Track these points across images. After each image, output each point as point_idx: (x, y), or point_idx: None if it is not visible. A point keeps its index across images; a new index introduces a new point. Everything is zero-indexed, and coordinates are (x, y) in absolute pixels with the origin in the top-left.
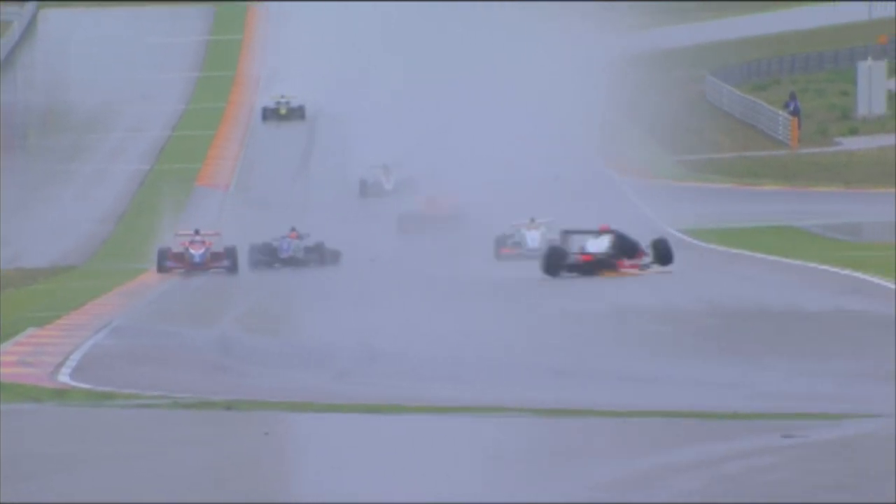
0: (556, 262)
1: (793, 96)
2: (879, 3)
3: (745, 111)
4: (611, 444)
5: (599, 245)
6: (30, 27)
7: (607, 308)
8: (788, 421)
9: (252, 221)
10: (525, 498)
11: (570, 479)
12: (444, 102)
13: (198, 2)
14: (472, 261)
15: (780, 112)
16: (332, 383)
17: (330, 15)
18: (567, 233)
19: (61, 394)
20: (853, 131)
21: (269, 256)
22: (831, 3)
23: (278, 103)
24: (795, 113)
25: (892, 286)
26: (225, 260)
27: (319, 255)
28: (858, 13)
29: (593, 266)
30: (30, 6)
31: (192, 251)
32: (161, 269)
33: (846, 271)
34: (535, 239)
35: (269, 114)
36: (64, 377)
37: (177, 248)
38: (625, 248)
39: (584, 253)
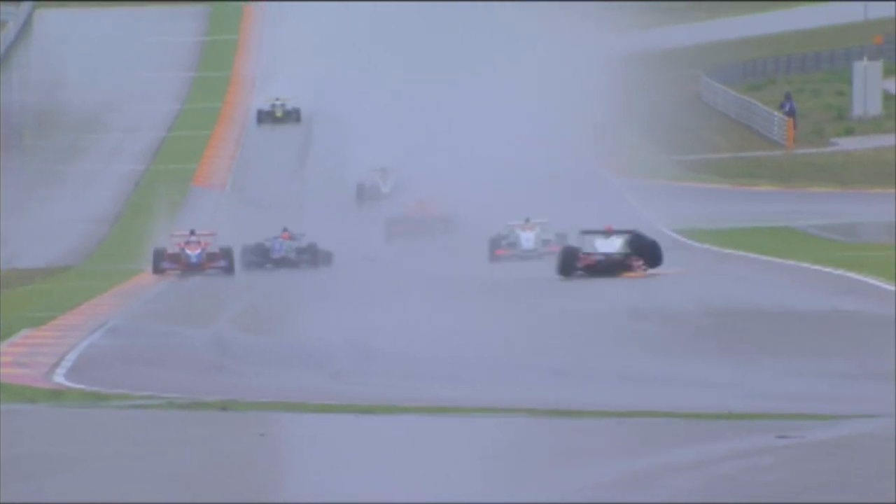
0: (570, 262)
1: (788, 96)
2: (875, 3)
3: (740, 111)
4: (607, 445)
5: (612, 245)
6: (25, 27)
7: (604, 308)
8: (783, 421)
9: (248, 222)
10: (522, 498)
11: (567, 479)
12: (441, 103)
13: (193, 2)
14: (466, 261)
15: (776, 112)
16: (327, 383)
17: (325, 15)
18: (585, 233)
19: (56, 394)
20: (849, 131)
21: (260, 257)
22: (827, 4)
23: (273, 106)
24: (791, 113)
25: (888, 286)
26: (221, 260)
27: (312, 256)
28: (854, 13)
29: (609, 266)
30: (25, 6)
31: (188, 252)
32: (157, 269)
33: (841, 272)
34: (529, 240)
35: (264, 116)
36: (59, 378)
37: (172, 249)
38: (643, 248)
39: (600, 253)
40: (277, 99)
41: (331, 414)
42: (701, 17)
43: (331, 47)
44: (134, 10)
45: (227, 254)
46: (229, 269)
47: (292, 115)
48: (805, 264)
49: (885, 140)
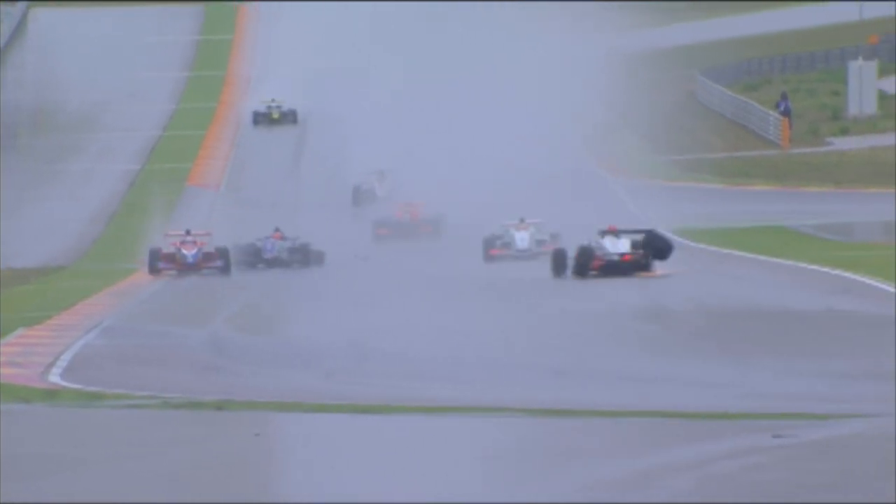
0: (586, 262)
1: (784, 96)
2: (870, 3)
3: (736, 111)
4: (604, 444)
5: (620, 245)
6: (20, 26)
7: (601, 308)
8: (779, 421)
9: (243, 221)
10: (519, 498)
11: (564, 479)
12: (438, 103)
13: (188, 1)
14: (461, 261)
15: (771, 112)
16: (323, 383)
17: (320, 15)
18: (603, 233)
19: (52, 394)
20: (844, 131)
21: (252, 257)
22: (823, 3)
23: (269, 107)
24: (786, 113)
25: (885, 286)
26: (217, 260)
27: (303, 256)
28: (849, 13)
29: (625, 266)
30: (20, 5)
31: (184, 252)
32: (153, 269)
33: (837, 271)
34: (524, 239)
35: (260, 118)
36: (54, 377)
37: (168, 249)
38: (654, 244)
39: (614, 253)
40: (273, 100)
41: (326, 414)
42: (697, 16)
43: (326, 47)
44: (129, 10)
45: (223, 254)
46: (226, 269)
47: (289, 117)
48: (801, 264)
49: (880, 140)
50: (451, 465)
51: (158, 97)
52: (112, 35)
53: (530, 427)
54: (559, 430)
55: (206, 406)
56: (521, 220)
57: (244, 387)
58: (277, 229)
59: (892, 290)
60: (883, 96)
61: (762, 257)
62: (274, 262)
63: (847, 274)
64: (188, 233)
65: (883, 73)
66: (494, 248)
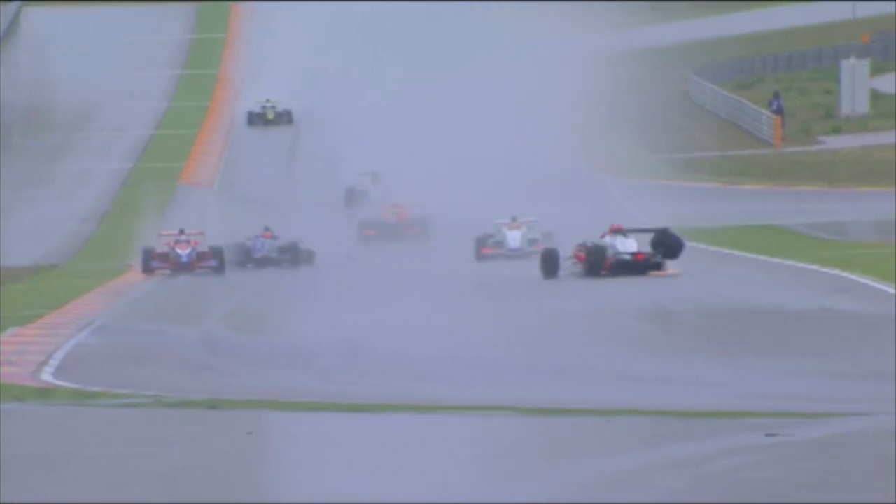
0: (598, 262)
1: (776, 95)
2: (862, 2)
3: (728, 110)
4: (596, 443)
5: (630, 244)
6: (12, 26)
7: (595, 307)
8: (772, 419)
9: (236, 220)
10: (512, 497)
11: (556, 477)
12: (432, 102)
13: (181, 1)
14: (453, 261)
15: (764, 111)
16: (316, 382)
17: (314, 15)
18: (616, 233)
19: (44, 393)
20: (836, 130)
21: (242, 256)
22: (815, 2)
23: (264, 108)
24: (779, 112)
25: (880, 286)
26: (212, 260)
27: (293, 256)
28: (842, 12)
29: (638, 266)
30: (13, 5)
31: (178, 251)
32: (146, 269)
33: (830, 270)
34: (516, 239)
35: (255, 118)
36: (47, 376)
37: (161, 248)
38: (669, 246)
39: (630, 253)
40: (268, 100)
41: (319, 412)
42: (690, 15)
43: (320, 47)
44: (121, 9)
45: (217, 253)
46: (220, 269)
47: (284, 117)
48: (796, 263)
49: (872, 139)
50: (445, 465)
51: (151, 96)
52: (105, 34)
53: (524, 426)
54: (553, 429)
55: (198, 405)
56: (514, 220)
57: (237, 386)
58: (267, 228)
59: (888, 289)
60: (875, 95)
61: (755, 256)
62: (263, 262)
63: (841, 273)
64: (182, 232)
65: (875, 71)
66: (486, 247)
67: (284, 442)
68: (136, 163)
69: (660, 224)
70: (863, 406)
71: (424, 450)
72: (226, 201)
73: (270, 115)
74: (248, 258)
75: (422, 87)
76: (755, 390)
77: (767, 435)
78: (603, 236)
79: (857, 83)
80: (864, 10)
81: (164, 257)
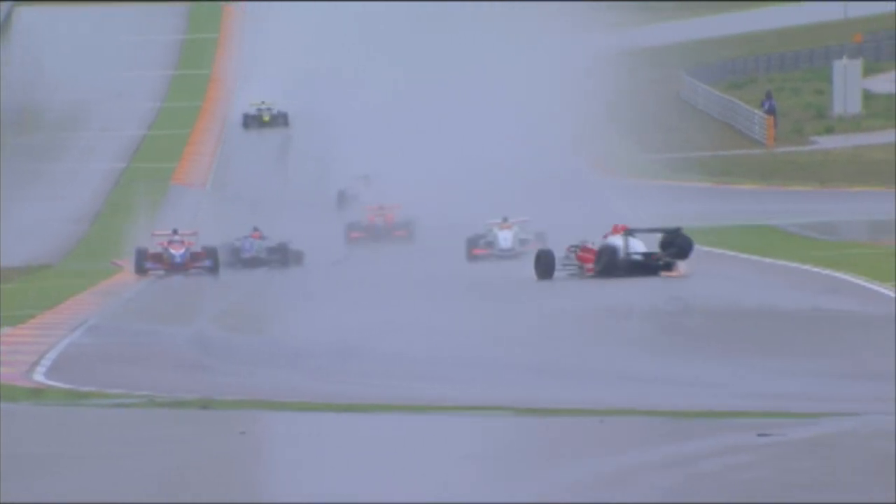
0: (610, 261)
1: (769, 95)
2: (855, 2)
3: (721, 110)
4: (588, 443)
5: (639, 244)
6: (4, 26)
7: (588, 307)
8: (764, 419)
9: (228, 220)
10: (504, 497)
11: (547, 478)
12: (423, 103)
13: (173, 1)
14: (445, 262)
15: (756, 111)
16: (309, 382)
17: (307, 15)
18: (629, 232)
19: (37, 393)
20: (829, 130)
21: (231, 256)
22: (807, 2)
23: (259, 110)
24: (771, 112)
25: (872, 286)
26: (206, 260)
27: (282, 256)
28: (834, 12)
29: (651, 266)
30: (4, 5)
31: (172, 251)
32: (139, 270)
33: (822, 270)
34: (507, 239)
35: (251, 121)
36: (39, 376)
37: (155, 249)
38: (681, 246)
39: (642, 252)
40: (263, 102)
41: (312, 412)
42: (682, 15)
43: (312, 47)
44: (113, 9)
45: (211, 253)
46: (214, 269)
47: (279, 119)
48: (788, 263)
49: (864, 139)
50: (437, 464)
51: (143, 96)
52: (96, 34)
53: (516, 426)
54: (544, 428)
55: (191, 405)
56: (505, 220)
57: (229, 385)
58: (256, 229)
59: (880, 289)
60: (868, 95)
61: (748, 256)
62: (252, 262)
63: (834, 273)
64: (175, 232)
65: (867, 72)
66: (477, 247)
67: (277, 442)
68: (129, 163)
69: (661, 224)
70: (856, 406)
71: (419, 450)
72: (218, 201)
73: (266, 118)
74: (237, 258)
75: (414, 88)
76: (747, 390)
77: (760, 435)
78: (606, 236)
79: (849, 83)
80: (856, 11)
81: (158, 258)
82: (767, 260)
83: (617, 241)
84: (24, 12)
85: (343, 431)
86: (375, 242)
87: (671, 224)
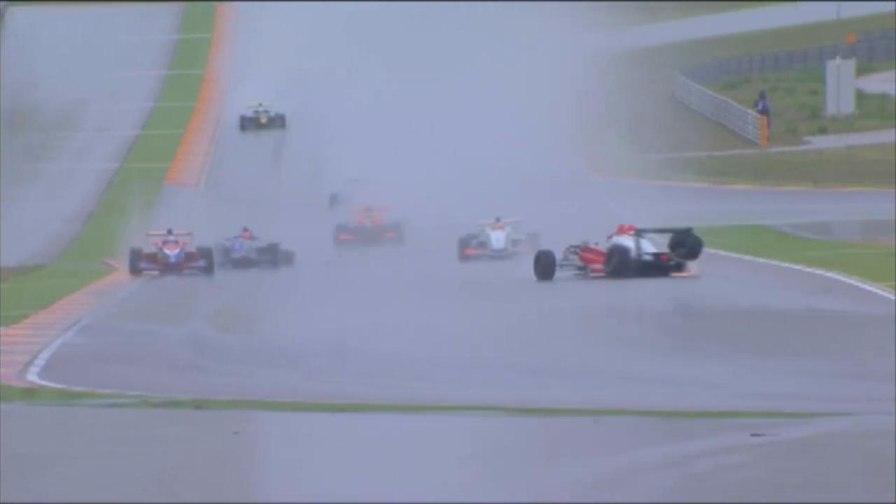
0: (622, 262)
1: (762, 95)
2: (848, 2)
3: (715, 110)
4: (581, 444)
5: (649, 245)
6: None
7: (580, 307)
8: (757, 419)
9: (222, 220)
10: (498, 497)
11: (542, 478)
12: (418, 103)
13: (167, 1)
14: (438, 263)
15: (750, 111)
16: (302, 382)
17: (300, 15)
18: (641, 232)
19: (30, 393)
20: (822, 130)
21: (221, 257)
22: (801, 3)
23: (257, 112)
24: (765, 112)
25: (863, 285)
26: (200, 260)
27: (272, 256)
28: (827, 13)
29: (662, 267)
30: None
31: (166, 251)
32: (133, 270)
33: (815, 270)
34: (499, 239)
35: (248, 123)
36: (33, 376)
37: (149, 249)
38: (691, 246)
39: (653, 253)
40: (261, 104)
41: (305, 412)
42: (676, 16)
43: (306, 48)
44: (107, 9)
45: (205, 253)
46: (209, 269)
47: (277, 121)
48: (781, 263)
49: (857, 139)
50: (432, 465)
51: (136, 96)
52: (90, 34)
53: (510, 426)
54: (539, 429)
55: (184, 405)
56: (497, 220)
57: (222, 385)
58: (246, 229)
59: (872, 289)
60: (861, 95)
61: (741, 256)
62: (242, 262)
63: (827, 273)
64: (170, 232)
65: (861, 72)
66: (470, 247)
67: (270, 442)
68: (122, 163)
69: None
70: (849, 406)
71: (414, 450)
72: (211, 201)
73: (263, 120)
74: (227, 259)
75: (409, 88)
76: (741, 390)
77: (753, 435)
78: (610, 237)
79: (842, 83)
80: (849, 11)
81: (152, 258)
82: (761, 260)
83: (627, 241)
84: (17, 12)
85: (337, 432)
86: (366, 245)
87: (678, 224)
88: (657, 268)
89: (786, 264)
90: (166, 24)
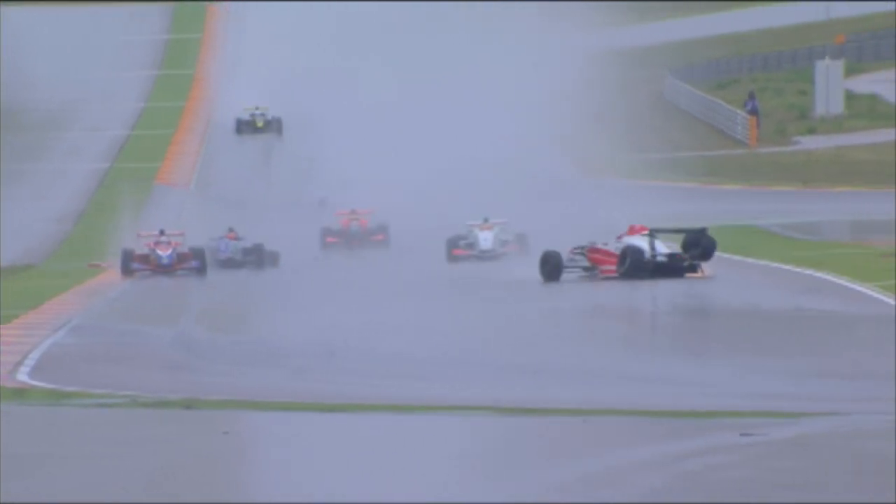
0: (637, 263)
1: (751, 95)
2: (837, 3)
3: (704, 110)
4: (570, 443)
5: (664, 245)
6: None
7: (569, 308)
8: (747, 419)
9: (213, 221)
10: (488, 497)
11: (529, 478)
12: (407, 103)
13: (157, 1)
14: (426, 264)
15: (739, 111)
16: (292, 381)
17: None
18: (654, 232)
19: (20, 393)
20: (811, 130)
21: (207, 257)
22: (790, 3)
23: (253, 115)
24: (754, 112)
25: (852, 285)
26: (193, 261)
27: (258, 257)
28: (816, 13)
29: (677, 268)
30: None
31: (159, 252)
32: (126, 271)
33: (804, 270)
34: (487, 240)
35: (244, 126)
36: (23, 376)
37: (141, 250)
38: (705, 247)
39: (667, 254)
40: (257, 108)
41: (295, 412)
42: (666, 16)
43: (296, 47)
44: (98, 9)
45: (198, 254)
46: (202, 270)
47: (273, 125)
48: (771, 263)
49: (846, 139)
50: (421, 465)
51: (127, 96)
52: (81, 34)
53: (499, 426)
54: (527, 428)
55: (174, 405)
56: (485, 220)
57: (212, 385)
58: (231, 229)
59: (861, 289)
60: (850, 96)
61: (731, 256)
62: (228, 263)
63: (816, 273)
64: (162, 233)
65: (850, 72)
66: (458, 248)
67: (260, 441)
68: (113, 163)
69: (696, 225)
70: (837, 405)
71: (404, 450)
72: (201, 201)
73: (259, 123)
74: (213, 259)
75: (400, 88)
76: (730, 389)
77: (742, 434)
78: (620, 237)
79: (831, 84)
80: (838, 11)
81: (145, 259)
82: (750, 260)
83: (641, 241)
84: (7, 12)
85: (327, 431)
86: (352, 248)
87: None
88: (671, 269)
89: (775, 264)
90: (156, 24)
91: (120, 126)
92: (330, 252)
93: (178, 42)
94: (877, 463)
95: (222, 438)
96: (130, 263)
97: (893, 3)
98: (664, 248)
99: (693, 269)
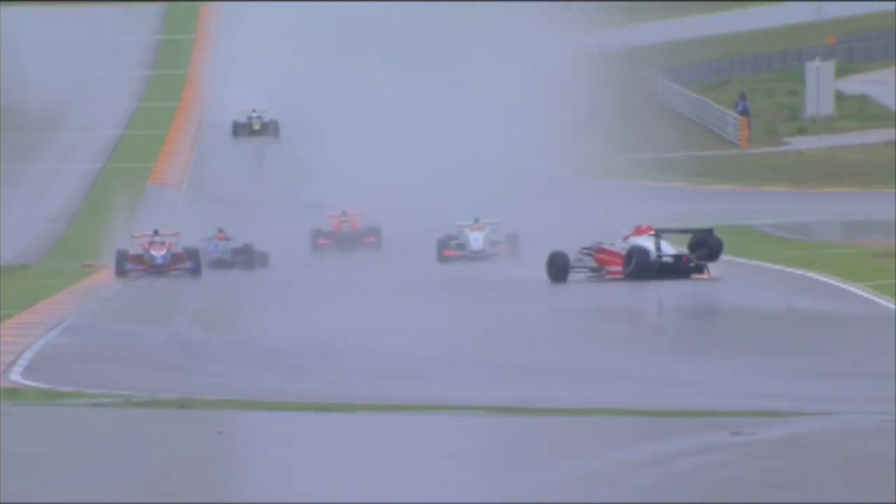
0: (643, 263)
1: (742, 96)
2: (828, 3)
3: (695, 111)
4: (562, 443)
5: (668, 247)
6: None
7: (563, 307)
8: (738, 419)
9: (206, 221)
10: (482, 497)
11: (523, 478)
12: (400, 104)
13: (149, 1)
14: (417, 265)
15: (730, 112)
16: (287, 381)
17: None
18: (660, 232)
19: (13, 393)
20: (801, 131)
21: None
22: (781, 4)
23: (250, 118)
24: (745, 113)
25: (843, 285)
26: (187, 261)
27: (247, 258)
28: (807, 13)
29: (683, 268)
30: None
31: (153, 253)
32: (120, 271)
33: (796, 270)
34: (478, 240)
35: (241, 129)
36: (16, 376)
37: (135, 250)
38: (712, 247)
39: (673, 255)
40: (254, 110)
41: (290, 412)
42: (657, 16)
43: (290, 47)
44: (91, 9)
45: (192, 255)
46: (196, 270)
47: (270, 128)
48: (762, 263)
49: (837, 139)
50: (421, 464)
51: (120, 96)
52: (74, 34)
53: (493, 426)
54: (521, 428)
55: (168, 404)
56: (476, 221)
57: (206, 385)
58: (220, 230)
59: (853, 289)
60: (840, 97)
61: (722, 256)
62: (217, 263)
63: (808, 273)
64: (156, 233)
65: (840, 73)
66: (448, 248)
67: (254, 441)
68: (106, 163)
69: (704, 225)
70: (828, 405)
71: (400, 449)
72: (194, 201)
73: (256, 126)
74: (203, 260)
75: (394, 89)
76: (721, 389)
77: (733, 434)
78: (626, 238)
79: (821, 85)
80: (829, 12)
81: (139, 259)
82: (741, 260)
83: (646, 242)
84: (2, 12)
85: (321, 430)
86: (344, 249)
87: (700, 224)
88: (677, 269)
89: (766, 264)
90: (149, 25)
91: (114, 126)
92: (321, 254)
93: (170, 42)
94: (867, 462)
95: (216, 438)
96: (125, 264)
97: (884, 3)
98: (670, 248)
99: (699, 269)
